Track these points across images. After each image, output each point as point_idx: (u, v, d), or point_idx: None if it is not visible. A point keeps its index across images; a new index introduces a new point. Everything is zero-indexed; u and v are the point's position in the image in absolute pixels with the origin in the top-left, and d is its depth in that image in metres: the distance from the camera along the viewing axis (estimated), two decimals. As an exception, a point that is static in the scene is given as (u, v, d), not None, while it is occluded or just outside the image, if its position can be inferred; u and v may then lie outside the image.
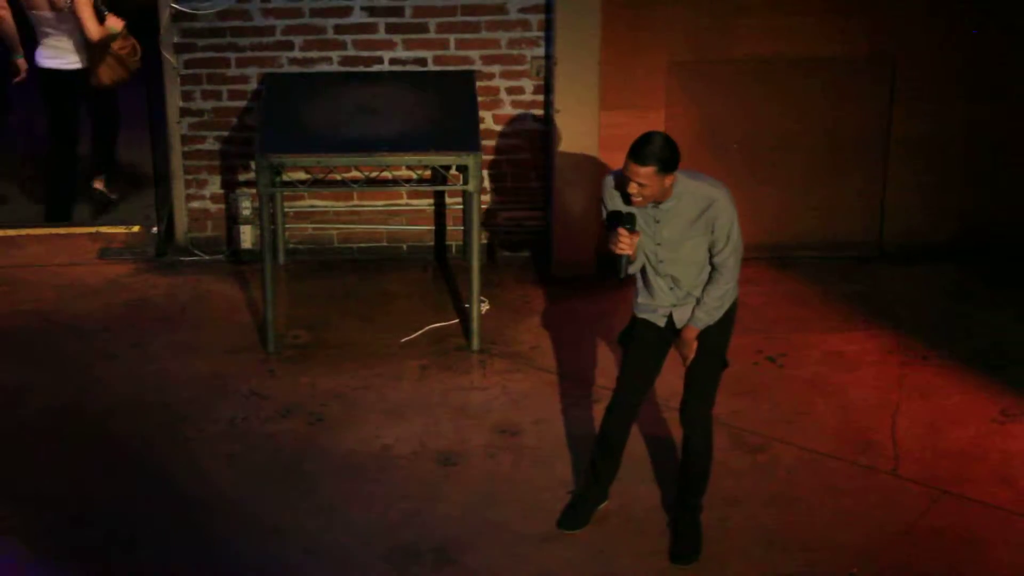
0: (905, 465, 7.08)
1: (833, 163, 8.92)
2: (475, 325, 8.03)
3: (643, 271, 6.40)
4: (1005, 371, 7.80)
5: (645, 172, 6.03)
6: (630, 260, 6.21)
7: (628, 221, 6.15)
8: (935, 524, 6.69)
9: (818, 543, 6.57)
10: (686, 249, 6.26)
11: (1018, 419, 7.43)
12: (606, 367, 7.89)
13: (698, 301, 6.35)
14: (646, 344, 6.50)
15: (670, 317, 6.42)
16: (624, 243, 6.13)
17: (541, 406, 7.57)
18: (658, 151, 6.02)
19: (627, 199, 6.14)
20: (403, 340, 8.15)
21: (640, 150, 6.03)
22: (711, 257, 6.29)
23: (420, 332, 8.22)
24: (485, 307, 8.37)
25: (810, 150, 8.89)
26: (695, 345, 6.41)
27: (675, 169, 6.09)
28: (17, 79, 9.42)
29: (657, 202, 6.17)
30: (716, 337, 6.42)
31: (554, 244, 8.85)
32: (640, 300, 6.48)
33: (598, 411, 7.47)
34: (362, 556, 6.48)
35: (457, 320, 8.33)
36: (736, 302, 6.45)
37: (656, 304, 6.42)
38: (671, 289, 6.37)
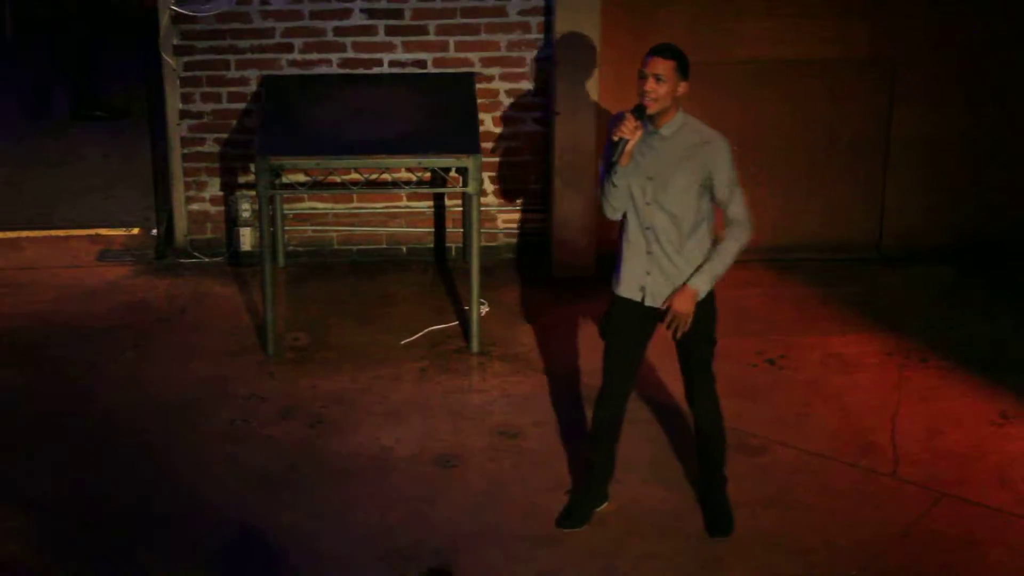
0: (904, 467, 7.08)
1: (833, 165, 8.93)
2: (475, 327, 8.04)
3: (622, 232, 6.40)
4: (1005, 373, 7.80)
5: (665, 65, 6.16)
6: (620, 171, 6.22)
7: (638, 110, 6.20)
8: (934, 526, 6.69)
9: (817, 545, 6.57)
10: (675, 191, 6.26)
11: (1017, 421, 7.43)
12: (605, 369, 7.90)
13: (700, 266, 6.32)
14: (624, 330, 6.50)
15: (646, 297, 6.40)
16: (628, 126, 6.16)
17: (541, 408, 7.57)
18: (679, 50, 6.21)
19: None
20: (403, 342, 8.15)
21: (661, 45, 6.22)
22: (723, 211, 6.32)
23: (420, 334, 8.22)
24: (485, 309, 8.37)
25: (810, 152, 8.89)
26: (689, 316, 6.32)
27: (687, 78, 6.23)
28: None
29: (657, 128, 6.23)
30: (706, 322, 6.44)
31: (554, 246, 8.85)
32: (619, 271, 6.46)
33: (597, 413, 7.49)
34: (361, 558, 6.48)
35: (457, 322, 8.33)
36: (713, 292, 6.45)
37: (627, 275, 6.40)
38: (648, 253, 6.35)
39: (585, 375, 7.83)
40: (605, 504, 6.77)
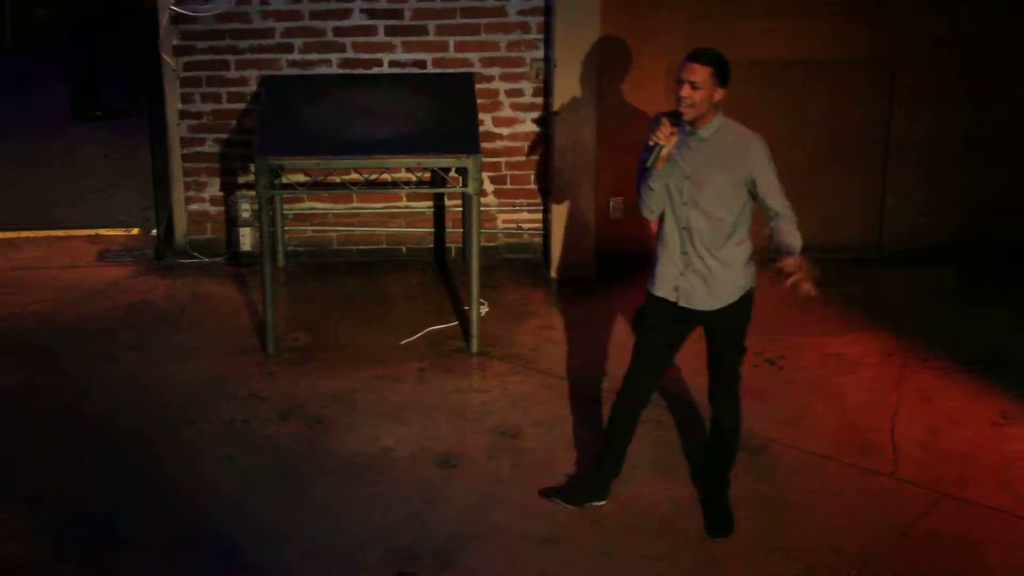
0: (904, 467, 7.08)
1: (833, 165, 8.93)
2: (474, 327, 8.03)
3: (660, 231, 6.42)
4: (1004, 373, 7.80)
5: (702, 71, 6.14)
6: (656, 174, 6.23)
7: (674, 115, 6.19)
8: (934, 526, 6.69)
9: (817, 545, 6.57)
10: (712, 191, 6.27)
11: (1017, 421, 7.43)
12: (605, 369, 7.89)
13: (779, 243, 6.21)
14: (656, 329, 6.51)
15: (680, 298, 6.42)
16: (664, 131, 6.16)
17: (540, 408, 7.57)
18: (717, 56, 6.17)
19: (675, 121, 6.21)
20: (402, 342, 8.15)
21: (699, 52, 6.19)
22: (766, 207, 6.31)
23: (420, 334, 8.22)
24: (484, 309, 8.37)
25: (810, 152, 8.89)
26: (799, 264, 6.11)
27: (726, 85, 6.21)
28: None
29: (695, 129, 6.23)
30: (740, 321, 6.46)
31: (553, 246, 8.85)
32: (654, 270, 6.49)
33: (598, 413, 7.48)
34: (361, 558, 6.48)
35: (456, 322, 8.33)
36: (753, 289, 6.46)
37: (662, 275, 6.43)
38: (683, 253, 6.37)
39: (585, 375, 7.83)
40: (603, 502, 6.76)
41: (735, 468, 6.94)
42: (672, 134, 6.17)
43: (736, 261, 6.37)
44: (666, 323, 6.49)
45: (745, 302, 6.44)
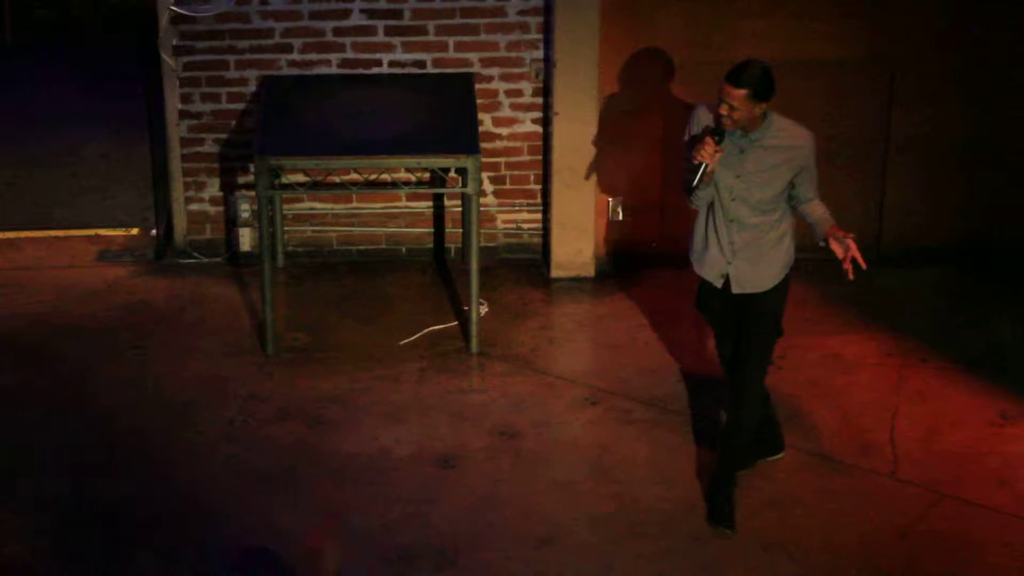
0: (903, 467, 7.08)
1: (832, 165, 8.91)
2: (474, 328, 8.03)
3: (706, 219, 6.48)
4: (1004, 374, 7.80)
5: (738, 95, 6.16)
6: (703, 184, 6.27)
7: (717, 133, 6.23)
8: (934, 527, 6.69)
9: (817, 545, 6.57)
10: (762, 188, 6.35)
11: (1016, 422, 7.43)
12: (605, 369, 7.90)
13: (814, 223, 6.44)
14: (713, 307, 6.69)
15: (727, 281, 6.52)
16: (708, 151, 6.21)
17: (540, 408, 7.57)
18: (755, 77, 6.17)
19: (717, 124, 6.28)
20: (402, 342, 8.15)
21: (737, 73, 6.17)
22: (798, 195, 6.41)
23: (419, 335, 8.22)
24: (484, 309, 8.37)
25: (809, 152, 8.89)
26: (845, 234, 6.35)
27: (768, 99, 6.21)
28: None
29: (746, 132, 6.27)
30: (774, 303, 6.55)
31: (553, 246, 8.85)
32: (694, 257, 6.60)
33: (597, 413, 7.48)
34: (361, 558, 6.48)
35: (456, 323, 8.33)
36: (790, 273, 6.57)
37: (710, 262, 6.52)
38: (729, 243, 6.45)
39: (584, 375, 7.83)
40: (782, 454, 6.97)
41: (736, 466, 6.96)
42: (716, 152, 6.23)
43: (781, 243, 6.50)
44: (719, 301, 6.64)
45: (787, 281, 6.57)
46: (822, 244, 6.42)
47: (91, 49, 12.19)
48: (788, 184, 6.41)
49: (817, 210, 6.44)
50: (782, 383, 7.74)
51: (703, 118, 6.42)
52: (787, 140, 6.34)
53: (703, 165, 6.26)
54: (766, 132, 6.32)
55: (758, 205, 6.42)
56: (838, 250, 6.32)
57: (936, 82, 8.82)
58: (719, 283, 6.57)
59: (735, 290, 6.54)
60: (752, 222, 6.44)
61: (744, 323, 6.60)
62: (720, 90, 6.21)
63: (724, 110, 6.21)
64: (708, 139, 6.23)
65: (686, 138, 6.48)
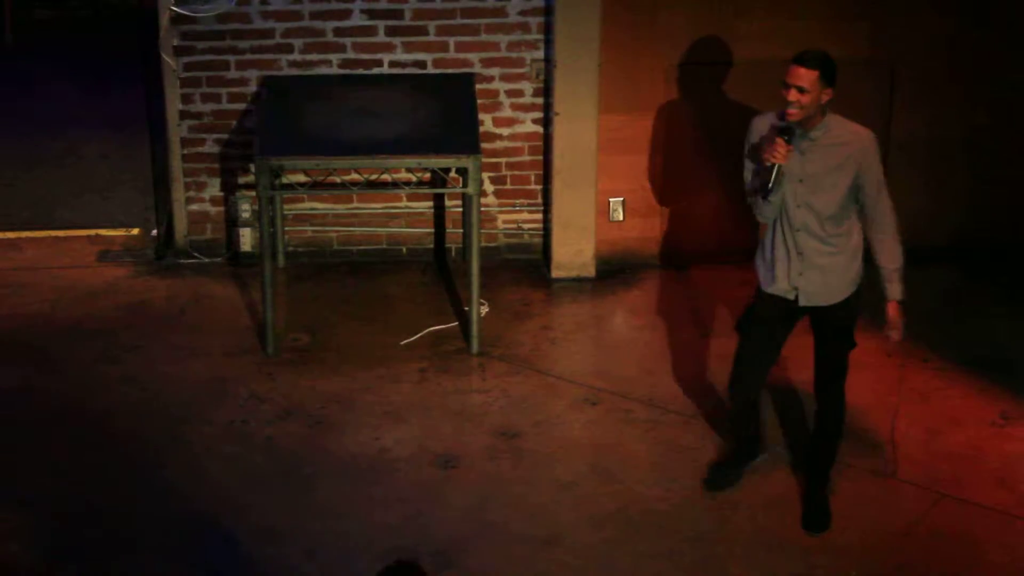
0: (904, 467, 7.08)
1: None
2: (475, 328, 8.03)
3: (773, 232, 6.44)
4: (1004, 374, 7.80)
5: (808, 75, 6.12)
6: (778, 186, 6.25)
7: (787, 132, 6.20)
8: (934, 526, 6.69)
9: (817, 545, 6.57)
10: (826, 191, 6.30)
11: (1017, 422, 7.43)
12: (605, 369, 7.90)
13: (882, 277, 6.43)
14: (768, 324, 6.57)
15: (800, 298, 6.47)
16: (780, 151, 6.17)
17: (540, 409, 7.57)
18: (822, 59, 6.15)
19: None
20: (403, 343, 8.15)
21: (804, 55, 6.15)
22: (860, 209, 6.38)
23: (420, 335, 8.22)
24: (485, 310, 8.37)
25: (809, 153, 8.89)
26: (901, 321, 6.45)
27: (833, 84, 6.19)
28: None
29: (806, 132, 6.23)
30: (851, 314, 6.52)
31: (553, 247, 8.85)
32: (762, 273, 6.55)
33: (597, 413, 7.49)
34: (361, 558, 6.48)
35: (456, 323, 8.33)
36: (862, 284, 6.52)
37: (783, 272, 6.46)
38: (798, 254, 6.39)
39: (585, 375, 7.83)
40: (761, 457, 6.98)
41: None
42: (788, 152, 6.20)
43: (851, 255, 6.44)
44: (778, 319, 6.56)
45: (858, 295, 6.51)
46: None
47: (91, 49, 12.19)
48: (852, 190, 6.32)
49: (884, 254, 6.41)
50: (783, 383, 7.74)
51: (759, 127, 6.39)
52: (846, 137, 6.29)
53: (776, 167, 6.22)
54: (825, 131, 6.28)
55: (824, 210, 6.32)
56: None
57: (937, 82, 8.81)
58: (791, 296, 6.47)
59: (803, 302, 6.47)
60: (819, 232, 6.36)
61: (819, 339, 6.58)
62: (787, 75, 6.14)
63: (793, 96, 6.13)
64: (779, 139, 6.19)
65: (745, 150, 6.43)
